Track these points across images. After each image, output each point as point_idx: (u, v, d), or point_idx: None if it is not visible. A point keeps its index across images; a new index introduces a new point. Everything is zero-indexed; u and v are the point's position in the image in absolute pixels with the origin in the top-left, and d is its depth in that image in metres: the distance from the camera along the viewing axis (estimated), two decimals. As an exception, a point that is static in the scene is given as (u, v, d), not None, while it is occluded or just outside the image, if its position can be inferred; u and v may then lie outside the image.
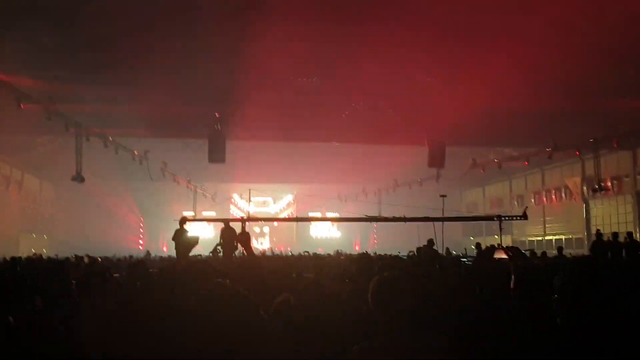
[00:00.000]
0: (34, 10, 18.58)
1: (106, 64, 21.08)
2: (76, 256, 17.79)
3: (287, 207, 44.63)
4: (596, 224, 30.33)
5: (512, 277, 3.37)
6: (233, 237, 16.04)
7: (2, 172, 32.92)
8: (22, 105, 18.91)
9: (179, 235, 16.26)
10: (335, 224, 44.26)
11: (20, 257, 17.27)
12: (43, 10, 18.77)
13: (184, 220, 16.56)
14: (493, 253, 3.52)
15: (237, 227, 17.03)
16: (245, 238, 5.78)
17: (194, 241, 15.80)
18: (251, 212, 20.60)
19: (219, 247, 17.13)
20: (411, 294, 2.96)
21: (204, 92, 23.27)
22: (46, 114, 20.05)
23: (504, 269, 5.52)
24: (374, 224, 40.14)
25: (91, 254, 18.81)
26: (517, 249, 3.37)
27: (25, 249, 32.71)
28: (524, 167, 32.94)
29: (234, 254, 16.01)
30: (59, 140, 29.51)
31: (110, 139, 25.16)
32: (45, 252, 29.52)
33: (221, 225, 17.79)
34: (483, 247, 18.93)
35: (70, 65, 20.55)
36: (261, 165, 32.73)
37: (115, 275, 10.76)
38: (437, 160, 25.04)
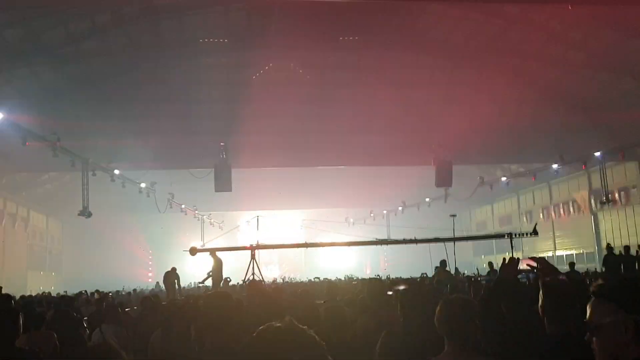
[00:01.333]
0: (37, 48, 18.78)
1: (110, 98, 21.27)
2: (86, 292, 17.66)
3: (296, 234, 44.36)
4: (606, 237, 29.98)
5: (541, 294, 3.19)
6: (220, 267, 16.46)
7: (8, 210, 32.88)
8: (27, 143, 18.91)
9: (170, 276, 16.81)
10: (345, 249, 43.91)
11: (30, 295, 17.14)
12: (46, 48, 18.98)
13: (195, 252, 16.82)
14: (517, 265, 3.37)
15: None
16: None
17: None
18: (260, 240, 20.40)
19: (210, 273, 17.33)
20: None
21: (208, 122, 23.38)
22: (51, 150, 20.07)
23: (530, 285, 5.36)
24: (384, 247, 39.90)
25: (101, 289, 18.68)
26: (543, 259, 3.22)
27: (34, 286, 32.51)
28: (531, 183, 32.76)
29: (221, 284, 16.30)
30: (65, 176, 29.59)
31: (117, 172, 25.14)
32: (53, 290, 29.34)
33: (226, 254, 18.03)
34: (495, 266, 18.72)
35: (74, 101, 20.72)
36: (268, 192, 32.69)
37: (127, 309, 10.70)
38: (444, 179, 24.88)
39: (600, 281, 2.23)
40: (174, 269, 17.58)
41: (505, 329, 3.36)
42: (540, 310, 3.12)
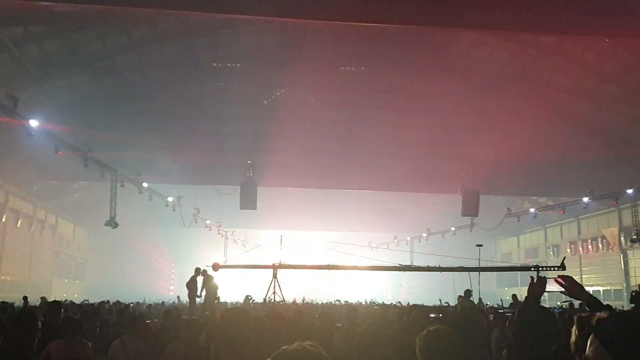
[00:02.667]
0: (75, 61, 19.22)
1: (142, 112, 21.59)
2: (108, 302, 17.75)
3: (319, 255, 44.18)
4: (635, 274, 29.33)
5: (575, 330, 3.06)
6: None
7: (38, 217, 33.44)
8: (59, 152, 19.26)
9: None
10: (366, 273, 43.59)
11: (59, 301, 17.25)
12: (83, 60, 19.42)
13: (215, 268, 16.69)
14: (545, 284, 3.28)
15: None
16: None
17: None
18: (282, 259, 20.37)
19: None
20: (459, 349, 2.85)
21: (237, 140, 23.57)
22: (82, 160, 20.40)
23: (558, 316, 5.19)
24: (406, 273, 39.49)
25: (122, 299, 18.77)
26: (571, 278, 3.11)
27: (58, 293, 32.86)
28: (559, 216, 32.22)
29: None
30: (94, 186, 30.03)
31: (145, 185, 25.44)
32: (77, 297, 29.63)
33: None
34: (519, 297, 18.32)
35: (107, 114, 21.09)
36: (292, 212, 32.70)
37: (147, 321, 10.71)
38: (470, 208, 24.61)
39: (601, 314, 2.14)
40: (197, 273, 17.09)
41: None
42: (572, 346, 3.01)
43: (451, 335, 3.16)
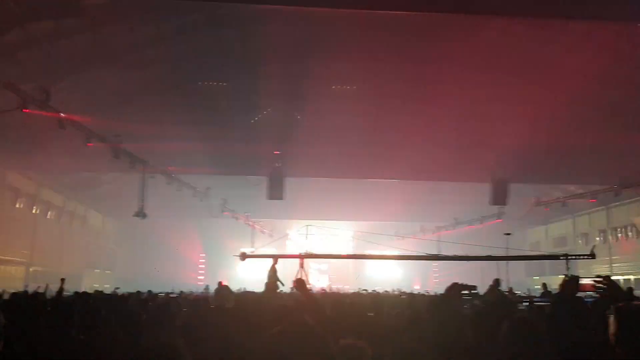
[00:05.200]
0: (104, 53, 19.45)
1: (171, 104, 21.78)
2: (138, 292, 18.02)
3: (346, 244, 44.38)
4: (668, 263, 28.91)
5: (613, 319, 3.03)
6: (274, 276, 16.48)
7: (68, 208, 34.04)
8: (89, 144, 19.59)
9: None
10: (395, 262, 43.60)
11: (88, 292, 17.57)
12: (112, 55, 19.64)
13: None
14: (577, 283, 3.21)
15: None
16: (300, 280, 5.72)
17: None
18: (309, 249, 20.43)
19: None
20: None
21: (264, 130, 23.66)
22: (112, 152, 20.70)
23: (595, 308, 5.13)
24: (434, 263, 39.31)
25: (152, 289, 19.05)
26: (609, 278, 3.04)
27: (89, 284, 33.49)
28: (589, 205, 31.74)
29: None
30: (123, 177, 30.47)
31: (173, 176, 25.74)
32: (107, 288, 30.15)
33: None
34: (549, 287, 18.14)
35: (136, 105, 21.32)
36: (319, 202, 32.76)
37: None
38: (499, 197, 24.39)
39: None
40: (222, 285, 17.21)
41: (569, 352, 3.24)
42: (611, 337, 2.98)
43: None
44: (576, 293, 3.58)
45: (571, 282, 3.60)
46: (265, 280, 17.12)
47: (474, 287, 4.72)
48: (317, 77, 20.67)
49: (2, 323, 3.11)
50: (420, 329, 4.64)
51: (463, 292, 4.59)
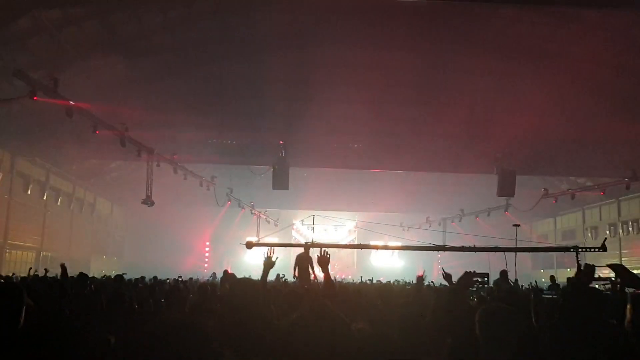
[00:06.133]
0: (112, 41, 19.43)
1: (177, 92, 21.76)
2: (142, 278, 18.08)
3: (349, 235, 44.36)
4: (678, 258, 28.72)
5: (630, 308, 2.98)
6: (308, 264, 15.76)
7: (77, 195, 34.22)
8: (97, 132, 19.60)
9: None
10: (397, 252, 43.57)
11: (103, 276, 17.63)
12: (120, 41, 19.61)
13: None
14: (593, 273, 3.17)
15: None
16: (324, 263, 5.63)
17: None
18: (314, 239, 20.40)
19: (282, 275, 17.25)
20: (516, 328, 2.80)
21: (269, 120, 23.61)
22: (120, 140, 20.71)
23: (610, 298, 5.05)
24: (438, 254, 39.20)
25: (158, 276, 19.10)
26: (622, 266, 3.00)
27: (96, 270, 33.66)
28: (598, 198, 31.54)
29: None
30: (130, 165, 30.54)
31: (180, 164, 25.78)
32: (114, 273, 30.27)
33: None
34: (557, 279, 18.05)
35: (143, 94, 21.30)
36: (323, 192, 32.73)
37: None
38: (506, 189, 24.20)
39: None
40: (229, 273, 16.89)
41: (581, 340, 3.18)
42: (628, 325, 2.93)
43: (509, 312, 3.11)
44: (592, 281, 3.53)
45: (587, 271, 3.54)
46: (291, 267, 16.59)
47: (486, 275, 4.67)
48: (323, 66, 20.56)
49: (30, 305, 3.15)
50: (435, 318, 4.60)
51: (476, 279, 4.54)
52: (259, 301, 3.79)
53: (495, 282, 13.69)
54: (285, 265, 18.26)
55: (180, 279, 16.57)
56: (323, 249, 5.64)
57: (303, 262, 15.86)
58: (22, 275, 15.70)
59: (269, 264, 5.22)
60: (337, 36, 19.34)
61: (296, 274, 16.14)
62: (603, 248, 13.46)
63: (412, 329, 4.29)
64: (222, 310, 3.64)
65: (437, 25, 18.71)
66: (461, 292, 4.52)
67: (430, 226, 38.89)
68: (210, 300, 7.64)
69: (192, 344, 2.60)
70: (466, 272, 4.57)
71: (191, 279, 20.22)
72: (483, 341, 2.87)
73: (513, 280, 15.03)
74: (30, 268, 15.47)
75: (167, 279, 18.37)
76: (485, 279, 10.12)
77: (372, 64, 21.07)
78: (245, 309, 3.57)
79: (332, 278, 6.00)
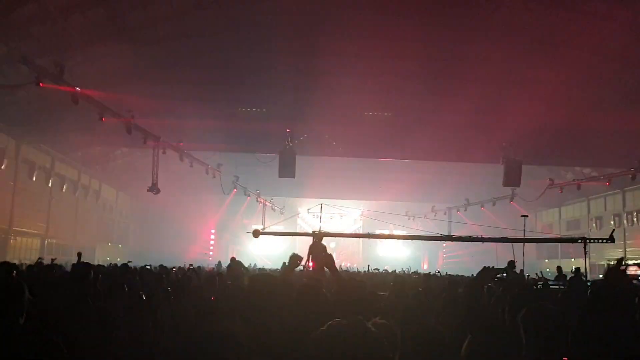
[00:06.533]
0: (118, 29, 19.38)
1: (183, 80, 21.71)
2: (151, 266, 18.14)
3: (354, 223, 44.43)
4: (683, 249, 28.66)
5: None
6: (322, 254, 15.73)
7: (82, 182, 34.31)
8: (103, 119, 19.60)
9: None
10: (402, 242, 43.62)
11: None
12: (125, 30, 19.56)
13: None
14: (619, 269, 3.14)
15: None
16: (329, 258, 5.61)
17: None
18: (319, 227, 20.39)
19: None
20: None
21: (276, 108, 23.57)
22: (126, 127, 20.72)
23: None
24: (443, 243, 39.28)
25: (163, 264, 19.17)
26: None
27: (101, 256, 33.88)
28: (603, 188, 31.45)
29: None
30: (136, 153, 30.58)
31: (186, 152, 25.80)
32: (119, 261, 30.44)
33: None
34: (564, 270, 17.99)
35: (149, 81, 21.27)
36: (329, 180, 32.75)
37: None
38: (512, 179, 24.17)
39: None
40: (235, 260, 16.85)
41: (607, 338, 3.16)
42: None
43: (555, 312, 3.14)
44: (622, 279, 3.49)
45: (616, 268, 3.50)
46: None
47: (503, 271, 4.69)
48: (331, 55, 20.46)
49: (27, 298, 3.12)
50: (454, 310, 4.61)
51: (496, 275, 4.56)
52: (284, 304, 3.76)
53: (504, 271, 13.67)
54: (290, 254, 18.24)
55: (191, 267, 16.56)
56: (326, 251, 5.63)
57: (318, 250, 15.81)
58: (28, 263, 15.76)
59: (295, 264, 5.17)
60: (344, 25, 19.23)
61: (308, 265, 16.03)
62: (611, 239, 13.42)
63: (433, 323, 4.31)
64: (245, 313, 3.58)
65: (445, 15, 18.60)
66: (480, 288, 4.53)
67: (435, 215, 38.91)
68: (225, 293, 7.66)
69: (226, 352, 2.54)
70: (484, 267, 4.57)
71: (199, 267, 20.30)
72: (528, 341, 2.92)
73: (518, 271, 15.06)
74: (40, 259, 15.56)
75: (174, 267, 18.44)
76: (504, 274, 10.11)
77: (379, 54, 20.96)
78: (271, 315, 3.54)
79: (338, 267, 5.97)
